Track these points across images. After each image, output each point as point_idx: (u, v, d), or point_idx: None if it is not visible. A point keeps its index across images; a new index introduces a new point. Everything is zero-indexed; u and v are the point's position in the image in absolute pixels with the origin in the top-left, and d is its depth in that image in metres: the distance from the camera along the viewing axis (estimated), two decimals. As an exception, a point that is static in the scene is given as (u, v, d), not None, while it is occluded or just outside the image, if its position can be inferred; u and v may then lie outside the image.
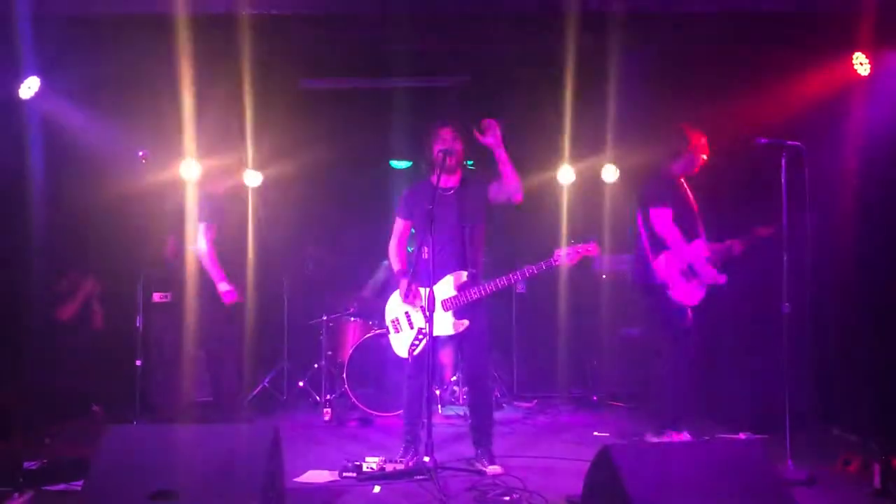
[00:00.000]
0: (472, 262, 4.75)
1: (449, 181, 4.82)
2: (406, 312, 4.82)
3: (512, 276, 4.68)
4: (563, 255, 4.69)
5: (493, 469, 4.58)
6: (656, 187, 5.34)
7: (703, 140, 5.34)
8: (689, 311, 5.23)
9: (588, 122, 7.25)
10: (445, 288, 4.71)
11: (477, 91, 7.14)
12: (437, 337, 4.63)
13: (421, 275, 4.72)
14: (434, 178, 4.70)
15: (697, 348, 5.39)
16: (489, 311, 4.84)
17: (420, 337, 4.70)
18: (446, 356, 6.53)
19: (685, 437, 5.09)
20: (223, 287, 5.41)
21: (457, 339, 4.80)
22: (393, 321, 4.88)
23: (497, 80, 7.15)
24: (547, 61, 6.73)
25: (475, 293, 4.67)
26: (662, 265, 5.20)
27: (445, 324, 4.69)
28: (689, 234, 5.22)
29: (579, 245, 4.72)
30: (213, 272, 5.39)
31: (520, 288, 7.45)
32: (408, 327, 4.81)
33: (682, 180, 5.38)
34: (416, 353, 4.70)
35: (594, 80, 6.73)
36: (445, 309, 4.70)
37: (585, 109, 7.08)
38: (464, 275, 4.70)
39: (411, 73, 6.99)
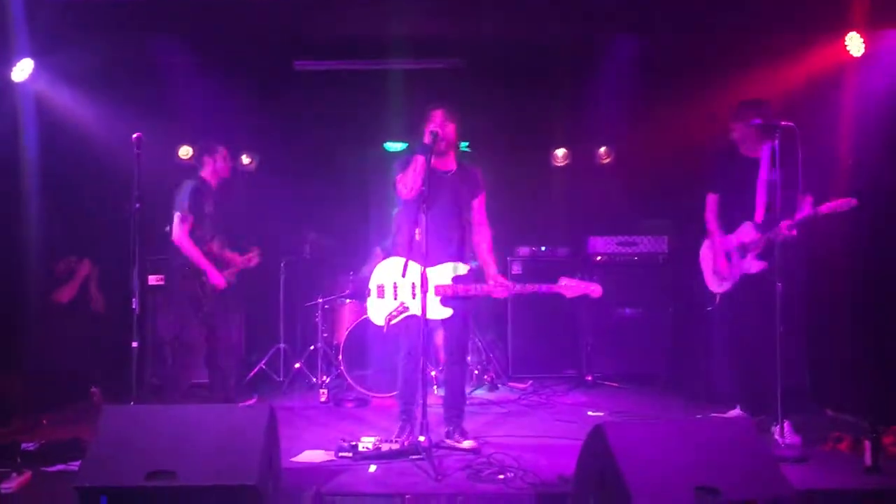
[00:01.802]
0: (466, 251, 4.81)
1: (446, 164, 4.83)
2: (395, 283, 4.83)
3: (522, 287, 4.78)
4: (567, 284, 4.72)
5: (468, 444, 4.67)
6: (708, 170, 5.40)
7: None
8: (717, 297, 5.33)
9: (582, 105, 7.26)
10: (442, 275, 4.73)
11: (471, 74, 7.12)
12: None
13: (416, 253, 4.73)
14: (430, 158, 4.70)
15: (729, 333, 5.47)
16: (474, 300, 4.88)
17: (400, 310, 4.74)
18: (440, 338, 6.56)
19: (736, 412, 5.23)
20: (212, 274, 5.41)
21: (445, 322, 4.81)
22: (379, 286, 4.87)
23: (492, 63, 7.14)
24: (542, 44, 6.73)
25: (469, 290, 4.68)
26: (702, 250, 5.41)
27: (432, 308, 4.72)
28: (742, 218, 5.15)
29: (583, 283, 4.75)
30: (197, 261, 5.37)
31: (515, 270, 7.47)
32: (392, 297, 4.82)
33: (748, 157, 5.18)
34: (392, 323, 4.75)
35: (588, 63, 6.74)
36: (436, 294, 4.73)
37: (580, 92, 7.08)
38: (464, 268, 4.72)
39: (406, 56, 6.98)
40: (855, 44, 5.64)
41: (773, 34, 5.83)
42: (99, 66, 6.17)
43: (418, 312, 4.65)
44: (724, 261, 5.26)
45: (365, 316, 6.47)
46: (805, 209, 4.73)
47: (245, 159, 7.81)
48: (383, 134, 7.88)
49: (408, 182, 4.65)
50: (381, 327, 4.84)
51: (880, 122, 5.42)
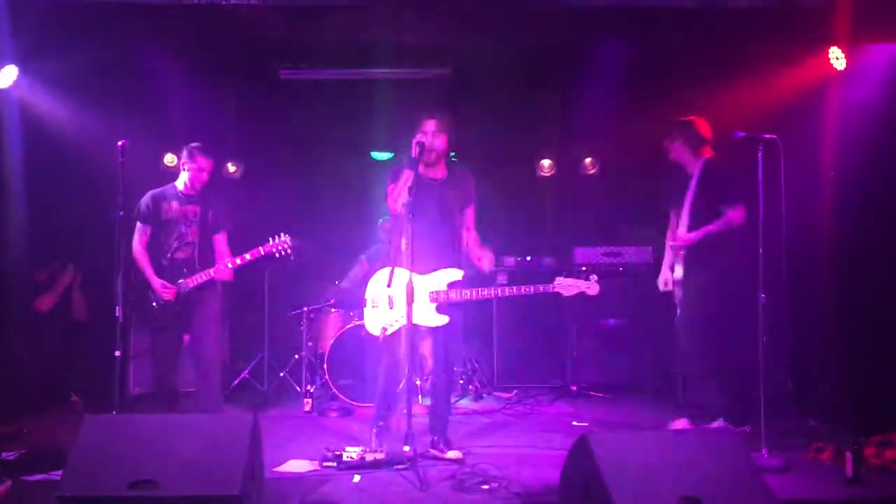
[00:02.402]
0: (459, 257, 4.80)
1: (436, 173, 4.84)
2: (389, 295, 4.83)
3: (506, 289, 4.79)
4: (563, 283, 4.72)
5: (453, 454, 4.67)
6: (668, 188, 5.62)
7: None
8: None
9: (568, 116, 7.31)
10: (436, 281, 4.72)
11: (459, 83, 7.16)
12: (417, 327, 4.66)
13: (416, 261, 4.74)
14: (418, 168, 4.72)
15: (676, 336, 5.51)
16: (468, 307, 4.88)
17: (397, 319, 4.73)
18: (427, 347, 6.55)
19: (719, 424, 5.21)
20: (157, 284, 5.21)
21: (434, 330, 4.81)
22: (373, 296, 4.87)
23: (478, 73, 7.17)
24: (528, 54, 6.77)
25: (464, 295, 4.68)
26: None
27: (427, 315, 4.71)
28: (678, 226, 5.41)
29: (580, 281, 4.72)
30: (144, 273, 5.26)
31: (501, 279, 7.48)
32: (387, 307, 4.82)
33: (688, 170, 5.40)
34: (388, 333, 4.73)
35: (575, 74, 6.78)
36: (430, 300, 4.72)
37: (566, 103, 7.13)
38: (458, 274, 4.71)
39: (393, 65, 7.00)
40: (837, 58, 5.71)
41: (759, 47, 5.89)
42: (84, 73, 6.15)
43: (417, 320, 4.65)
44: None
45: (350, 325, 6.47)
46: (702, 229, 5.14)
47: (230, 167, 7.78)
48: (370, 143, 7.89)
49: (397, 196, 4.66)
50: (374, 337, 4.84)
51: (862, 135, 5.48)
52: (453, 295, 4.67)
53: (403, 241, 4.61)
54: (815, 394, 5.73)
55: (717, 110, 5.70)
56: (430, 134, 4.74)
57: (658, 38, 6.17)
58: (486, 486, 4.08)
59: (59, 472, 3.57)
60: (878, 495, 4.03)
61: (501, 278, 7.48)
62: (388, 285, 4.57)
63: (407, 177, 4.58)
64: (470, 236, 4.93)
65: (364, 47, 6.58)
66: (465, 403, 6.64)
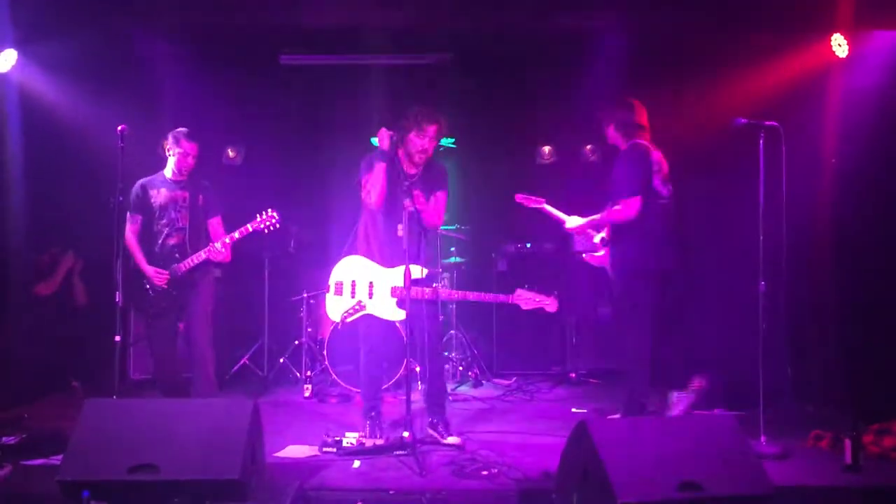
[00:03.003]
0: (428, 252, 4.81)
1: (411, 167, 4.84)
2: (353, 281, 4.84)
3: (466, 294, 4.84)
4: (522, 296, 4.79)
5: (452, 440, 4.69)
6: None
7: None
8: None
9: (569, 103, 7.27)
10: (398, 277, 4.72)
11: (458, 69, 7.13)
12: (381, 319, 4.82)
13: (380, 252, 4.82)
14: (399, 159, 4.76)
15: None
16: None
17: (357, 308, 4.79)
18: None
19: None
20: (149, 271, 5.22)
21: (411, 319, 4.72)
22: (337, 283, 4.88)
23: (479, 58, 7.14)
24: (528, 40, 6.74)
25: (425, 294, 4.68)
26: None
27: (387, 308, 4.77)
28: None
29: (540, 295, 4.80)
30: (136, 261, 5.24)
31: (500, 266, 7.49)
32: (349, 294, 4.84)
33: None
34: (348, 321, 4.81)
35: (576, 60, 6.75)
36: (392, 295, 4.76)
37: (565, 89, 7.10)
38: (422, 271, 4.69)
39: (393, 51, 6.97)
40: (840, 45, 5.68)
41: (760, 34, 5.86)
42: (83, 57, 6.12)
43: (376, 313, 4.80)
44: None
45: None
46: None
47: (230, 153, 7.76)
48: (369, 128, 7.85)
49: (371, 189, 4.72)
50: (373, 323, 4.87)
51: (864, 122, 5.47)
52: (413, 292, 4.62)
53: (399, 227, 4.63)
54: (814, 382, 5.74)
55: (718, 97, 5.69)
56: (429, 139, 4.73)
57: (659, 24, 6.14)
58: (485, 472, 4.09)
59: (60, 457, 3.59)
60: (876, 483, 4.04)
61: (501, 265, 7.49)
62: (406, 286, 4.55)
63: (379, 172, 4.65)
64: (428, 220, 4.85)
65: (364, 32, 6.55)
66: (465, 390, 6.65)
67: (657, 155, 5.15)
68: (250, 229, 5.33)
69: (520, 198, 5.72)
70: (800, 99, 5.72)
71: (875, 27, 5.66)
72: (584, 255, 5.59)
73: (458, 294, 4.92)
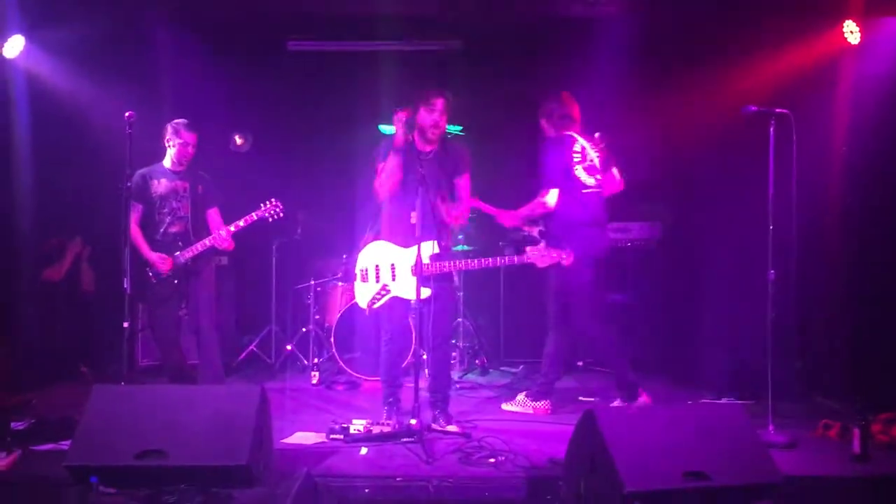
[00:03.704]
0: (444, 231, 4.77)
1: (426, 146, 4.83)
2: (377, 265, 4.83)
3: (482, 261, 4.80)
4: (536, 254, 4.79)
5: (451, 428, 4.69)
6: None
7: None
8: None
9: (577, 89, 7.23)
10: (416, 255, 4.72)
11: (467, 56, 7.09)
12: (403, 300, 4.80)
13: (400, 234, 4.79)
14: (414, 141, 4.78)
15: None
16: (456, 281, 4.90)
17: (382, 293, 4.78)
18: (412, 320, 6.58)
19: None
20: (152, 257, 5.23)
21: (425, 304, 4.75)
22: (362, 270, 4.88)
23: (487, 45, 7.10)
24: (536, 27, 6.70)
25: (443, 267, 4.66)
26: None
27: (409, 288, 4.72)
28: None
29: (554, 250, 4.77)
30: (139, 249, 5.23)
31: (509, 251, 7.47)
32: (374, 280, 4.83)
33: None
34: (375, 307, 4.80)
35: (583, 47, 6.71)
36: (412, 274, 4.73)
37: (575, 75, 7.05)
38: (435, 245, 4.68)
39: (401, 37, 6.94)
40: (852, 31, 5.62)
41: (772, 20, 5.80)
42: (90, 44, 6.11)
43: (400, 294, 4.77)
44: None
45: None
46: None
47: (237, 140, 7.75)
48: (377, 115, 7.83)
49: (385, 183, 4.74)
50: (380, 310, 4.86)
51: (876, 110, 5.42)
52: (433, 268, 4.65)
53: (413, 214, 4.62)
54: (823, 371, 5.72)
55: (728, 84, 5.64)
56: (438, 112, 4.72)
57: (669, 11, 6.09)
58: (492, 460, 4.10)
59: (68, 442, 3.60)
60: (885, 472, 4.03)
61: (509, 252, 7.46)
62: (419, 262, 4.55)
63: (392, 165, 4.68)
64: (457, 206, 4.86)
65: (372, 19, 6.52)
66: (472, 377, 6.66)
67: (581, 146, 5.31)
68: (255, 218, 5.37)
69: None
70: (811, 86, 5.66)
71: (887, 14, 5.60)
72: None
73: (470, 263, 4.87)
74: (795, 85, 5.64)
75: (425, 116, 4.71)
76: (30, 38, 5.88)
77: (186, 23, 6.43)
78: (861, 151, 5.51)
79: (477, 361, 6.92)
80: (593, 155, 5.34)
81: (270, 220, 5.44)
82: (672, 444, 3.36)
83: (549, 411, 5.28)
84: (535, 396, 5.34)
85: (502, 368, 6.95)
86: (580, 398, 5.87)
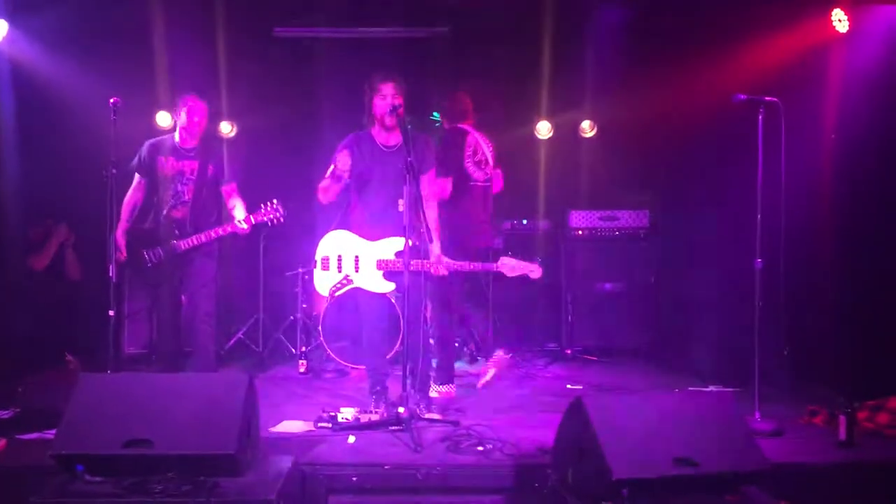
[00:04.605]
0: (413, 226, 4.63)
1: (389, 139, 4.80)
2: (339, 255, 4.86)
3: (455, 264, 4.81)
4: (507, 264, 4.84)
5: (430, 415, 4.69)
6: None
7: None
8: None
9: (566, 77, 7.22)
10: (385, 250, 4.79)
11: (455, 43, 7.06)
12: (371, 292, 4.86)
13: (366, 227, 4.84)
14: (373, 133, 4.83)
15: None
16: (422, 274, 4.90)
17: (344, 282, 4.82)
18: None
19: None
20: (119, 239, 5.19)
21: (400, 293, 4.71)
22: (323, 258, 4.91)
23: (476, 32, 7.07)
24: (526, 14, 6.67)
25: (410, 266, 4.57)
26: None
27: (373, 281, 4.79)
28: None
29: (524, 262, 4.84)
30: (119, 223, 5.17)
31: (496, 244, 7.46)
32: (336, 269, 4.86)
33: None
34: (337, 294, 4.85)
35: (572, 34, 6.69)
36: (378, 268, 4.77)
37: (564, 64, 7.04)
38: (406, 242, 4.63)
39: (390, 23, 6.90)
40: (840, 20, 5.63)
41: (760, 8, 5.80)
42: (75, 28, 6.05)
43: (364, 286, 4.83)
44: None
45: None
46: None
47: (224, 127, 7.70)
48: (362, 102, 7.79)
49: (322, 195, 4.81)
50: (369, 298, 4.87)
51: (865, 98, 5.43)
52: (397, 265, 4.68)
53: (401, 202, 4.61)
54: (810, 358, 5.74)
55: (717, 73, 5.64)
56: (391, 97, 4.68)
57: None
58: (480, 448, 4.10)
59: (54, 431, 3.57)
60: (870, 459, 4.06)
61: (497, 242, 7.45)
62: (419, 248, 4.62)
63: (342, 162, 4.71)
64: (428, 208, 4.78)
65: (360, 4, 6.48)
66: (461, 366, 6.65)
67: (473, 139, 5.45)
68: (253, 222, 5.28)
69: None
70: (800, 75, 5.67)
71: (875, 2, 5.60)
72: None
73: (441, 265, 4.84)
74: (785, 73, 5.65)
75: (379, 104, 4.69)
76: (13, 22, 5.80)
77: (171, 7, 6.36)
78: (850, 139, 5.52)
79: (466, 350, 6.92)
80: (486, 151, 5.52)
81: (270, 224, 5.33)
82: (660, 432, 3.37)
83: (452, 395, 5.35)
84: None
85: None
86: (568, 386, 5.88)
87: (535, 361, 6.85)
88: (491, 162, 5.56)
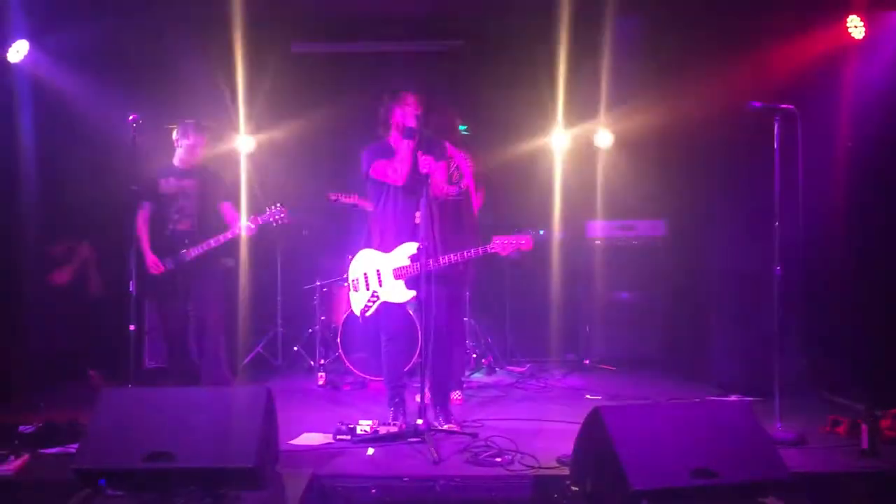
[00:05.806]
0: (426, 233, 4.64)
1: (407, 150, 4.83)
2: (365, 273, 4.87)
3: (450, 256, 4.73)
4: (499, 242, 4.77)
5: (449, 427, 4.68)
6: None
7: None
8: None
9: (582, 88, 7.22)
10: (398, 257, 4.76)
11: (471, 56, 7.09)
12: (394, 304, 4.83)
13: (382, 240, 4.85)
14: (391, 142, 4.83)
15: None
16: (453, 280, 4.94)
17: (373, 299, 4.82)
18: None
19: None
20: (149, 259, 5.43)
21: (420, 304, 4.76)
22: (354, 280, 4.94)
23: (491, 44, 7.10)
24: (541, 26, 6.69)
25: (424, 266, 4.62)
26: None
27: (396, 292, 4.77)
28: None
29: (513, 237, 4.78)
30: (142, 246, 5.40)
31: (513, 254, 7.46)
32: (364, 288, 4.87)
33: None
34: (367, 314, 4.85)
35: (588, 44, 6.70)
36: (396, 277, 4.76)
37: (579, 74, 7.04)
38: (414, 246, 4.67)
39: (405, 38, 6.94)
40: (856, 26, 5.60)
41: (776, 15, 5.79)
42: (94, 47, 6.14)
43: (389, 298, 4.80)
44: None
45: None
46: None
47: (244, 141, 7.75)
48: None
49: (397, 168, 4.72)
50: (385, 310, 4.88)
51: (881, 105, 5.41)
52: (413, 268, 4.68)
53: (417, 215, 4.64)
54: (830, 367, 5.70)
55: (732, 80, 5.62)
56: (412, 107, 4.75)
57: (673, 6, 6.08)
58: (499, 459, 4.09)
59: (76, 445, 3.61)
60: (893, 467, 4.01)
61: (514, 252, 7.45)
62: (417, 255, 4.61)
63: (405, 150, 4.68)
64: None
65: (376, 20, 6.53)
66: (479, 377, 6.65)
67: (451, 153, 5.33)
68: (259, 222, 5.56)
69: (333, 196, 6.20)
70: (816, 82, 5.65)
71: (891, 8, 5.58)
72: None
73: (444, 259, 4.74)
74: (800, 80, 5.63)
75: (399, 114, 4.77)
76: (34, 42, 5.89)
77: (189, 25, 6.44)
78: (867, 146, 5.49)
79: (483, 361, 6.92)
80: (462, 165, 5.47)
81: (274, 224, 5.59)
82: (679, 442, 3.35)
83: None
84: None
85: (509, 368, 6.95)
86: (587, 396, 5.86)
87: (553, 372, 6.83)
88: (466, 177, 5.44)
